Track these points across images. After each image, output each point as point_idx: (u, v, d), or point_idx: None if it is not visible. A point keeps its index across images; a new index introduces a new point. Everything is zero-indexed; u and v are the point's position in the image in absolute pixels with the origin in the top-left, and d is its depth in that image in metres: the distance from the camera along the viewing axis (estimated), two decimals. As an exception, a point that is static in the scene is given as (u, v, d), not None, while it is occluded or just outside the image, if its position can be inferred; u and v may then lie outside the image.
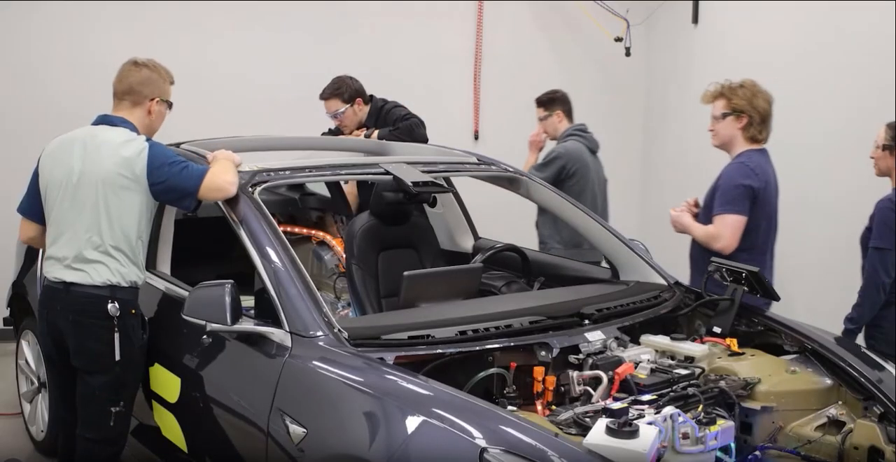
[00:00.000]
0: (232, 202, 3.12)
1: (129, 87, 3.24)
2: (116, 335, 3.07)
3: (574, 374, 2.79)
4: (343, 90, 4.87)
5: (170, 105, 3.35)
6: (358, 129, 4.95)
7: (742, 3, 6.07)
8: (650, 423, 2.32)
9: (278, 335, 2.76)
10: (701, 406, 2.62)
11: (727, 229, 3.82)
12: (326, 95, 4.92)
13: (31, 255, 4.16)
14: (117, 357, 3.07)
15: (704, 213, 4.01)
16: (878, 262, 3.71)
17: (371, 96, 4.99)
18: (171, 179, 3.09)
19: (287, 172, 3.37)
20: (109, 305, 3.07)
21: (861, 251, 3.95)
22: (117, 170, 3.07)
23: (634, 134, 7.41)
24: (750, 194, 3.86)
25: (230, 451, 2.86)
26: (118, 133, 3.15)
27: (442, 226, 4.52)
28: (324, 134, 5.12)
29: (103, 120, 3.22)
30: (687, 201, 4.12)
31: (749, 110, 3.93)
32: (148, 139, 3.17)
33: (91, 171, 3.08)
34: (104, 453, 3.19)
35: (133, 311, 3.14)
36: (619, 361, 2.86)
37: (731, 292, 3.34)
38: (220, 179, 3.09)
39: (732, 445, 2.54)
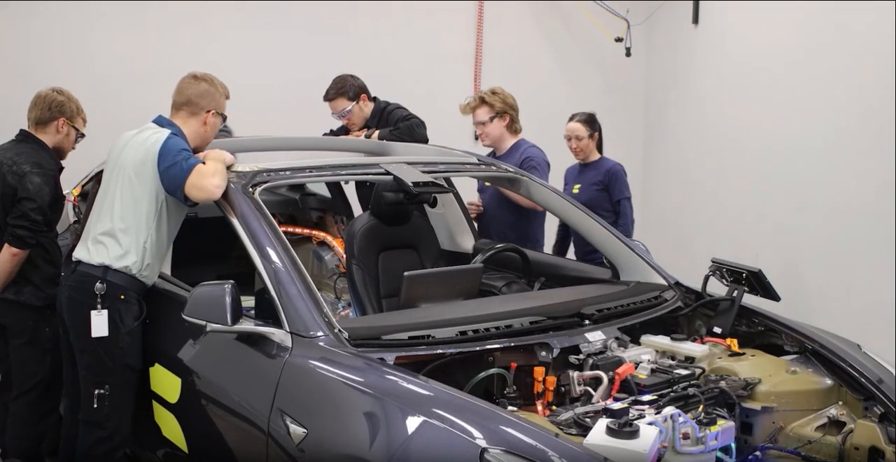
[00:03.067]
0: (232, 202, 3.12)
1: (187, 99, 3.36)
2: (97, 312, 3.14)
3: (574, 374, 2.80)
4: (347, 89, 4.87)
5: (224, 118, 3.46)
6: (359, 129, 4.95)
7: (742, 3, 6.07)
8: (650, 424, 2.33)
9: (279, 335, 2.76)
10: (701, 406, 2.63)
11: None
12: (331, 96, 4.92)
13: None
14: (94, 334, 3.14)
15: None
16: (629, 208, 4.80)
17: (375, 98, 5.00)
18: (170, 168, 3.15)
19: (287, 172, 3.37)
20: (97, 284, 3.16)
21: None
22: (138, 159, 3.21)
23: (635, 134, 7.41)
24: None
25: (230, 452, 2.85)
26: (155, 130, 3.29)
27: (442, 226, 4.52)
28: (325, 134, 5.12)
29: (157, 120, 3.38)
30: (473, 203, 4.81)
31: (508, 109, 4.72)
32: (172, 133, 3.25)
33: (125, 161, 3.25)
34: (92, 436, 3.22)
35: (122, 297, 3.20)
36: (620, 362, 2.86)
37: (731, 292, 3.34)
38: (206, 181, 3.10)
39: (733, 446, 2.54)
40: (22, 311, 3.67)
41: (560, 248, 5.04)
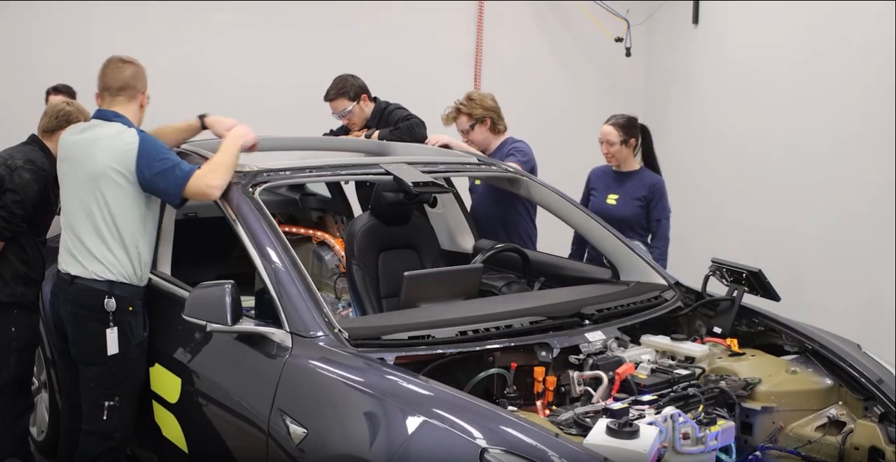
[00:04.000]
0: (232, 202, 3.12)
1: (123, 83, 3.31)
2: (110, 330, 3.12)
3: (574, 374, 2.80)
4: (347, 89, 4.88)
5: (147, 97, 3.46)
6: (360, 129, 4.95)
7: (742, 4, 6.07)
8: (650, 424, 2.33)
9: (279, 335, 2.76)
10: (701, 406, 2.63)
11: None
12: (332, 96, 4.91)
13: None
14: (110, 352, 3.11)
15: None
16: (668, 227, 4.50)
17: (375, 98, 5.00)
18: (159, 175, 3.12)
19: (287, 173, 3.37)
20: (106, 300, 3.12)
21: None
22: (111, 164, 3.14)
23: (634, 134, 7.40)
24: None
25: (230, 452, 2.85)
26: (112, 127, 3.23)
27: (442, 226, 4.52)
28: (325, 134, 5.12)
29: (99, 115, 3.31)
30: None
31: (487, 113, 4.64)
32: (139, 131, 3.22)
33: (89, 166, 3.17)
34: (100, 447, 3.21)
35: (130, 308, 3.18)
36: (620, 362, 2.86)
37: (731, 292, 3.34)
38: (202, 183, 3.10)
39: (733, 446, 2.54)
40: None
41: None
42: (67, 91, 5.39)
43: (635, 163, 4.56)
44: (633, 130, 4.49)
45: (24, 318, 3.64)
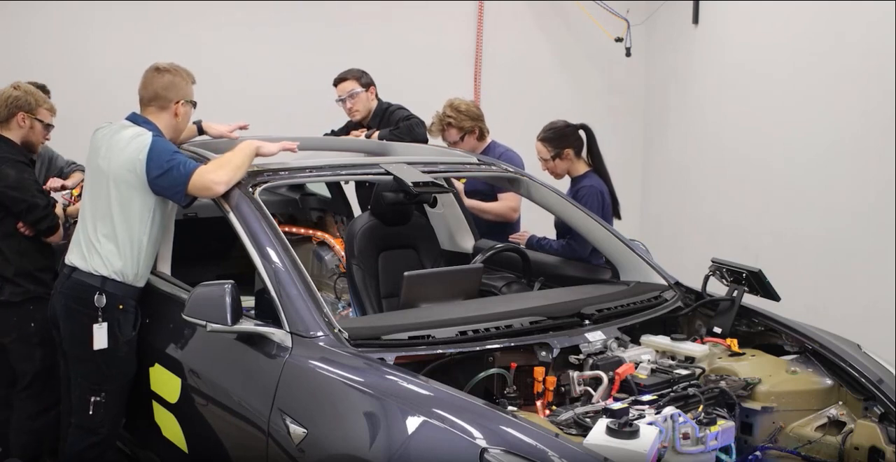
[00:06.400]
0: (232, 202, 3.12)
1: (154, 94, 3.34)
2: (98, 326, 3.14)
3: (574, 374, 2.80)
4: (360, 74, 4.93)
5: (194, 104, 3.46)
6: (359, 129, 4.96)
7: (742, 4, 6.07)
8: (650, 424, 2.33)
9: (279, 335, 2.76)
10: (701, 406, 2.63)
11: (519, 202, 4.59)
12: (343, 76, 4.95)
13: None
14: (96, 346, 3.14)
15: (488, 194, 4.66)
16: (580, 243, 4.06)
17: (378, 99, 5.02)
18: (165, 173, 3.13)
19: (287, 173, 3.38)
20: (96, 296, 3.15)
21: (556, 231, 4.33)
22: (124, 166, 3.17)
23: (635, 134, 7.41)
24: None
25: (230, 452, 2.86)
26: (133, 130, 3.25)
27: (442, 226, 4.52)
28: (325, 134, 5.13)
29: (132, 118, 3.34)
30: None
31: (474, 123, 4.68)
32: (154, 135, 3.22)
33: (107, 165, 3.22)
34: (84, 441, 3.23)
35: (121, 307, 3.20)
36: (620, 362, 2.86)
37: (731, 292, 3.34)
38: (207, 178, 3.10)
39: (733, 446, 2.54)
40: (2, 309, 3.68)
41: None
42: None
43: (581, 167, 4.24)
44: (562, 141, 4.18)
45: (40, 312, 3.62)
